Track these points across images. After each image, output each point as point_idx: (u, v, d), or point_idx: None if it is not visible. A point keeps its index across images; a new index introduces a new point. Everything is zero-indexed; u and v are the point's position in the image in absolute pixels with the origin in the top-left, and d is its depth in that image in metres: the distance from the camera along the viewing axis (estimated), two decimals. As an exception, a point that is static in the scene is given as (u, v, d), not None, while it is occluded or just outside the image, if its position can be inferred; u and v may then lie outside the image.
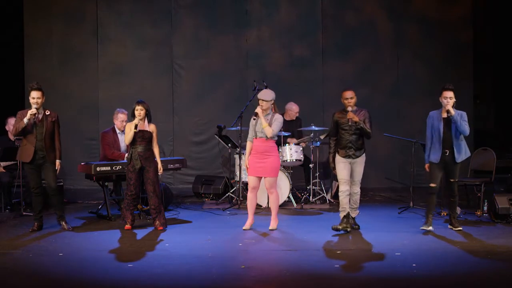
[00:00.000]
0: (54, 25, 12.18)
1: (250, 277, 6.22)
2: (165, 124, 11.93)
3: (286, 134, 10.14)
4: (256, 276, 6.24)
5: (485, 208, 9.01)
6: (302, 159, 10.21)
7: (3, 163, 9.63)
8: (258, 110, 8.17)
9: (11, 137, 9.91)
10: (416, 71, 12.16)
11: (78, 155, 11.38)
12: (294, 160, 10.05)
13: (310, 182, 10.32)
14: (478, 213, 9.11)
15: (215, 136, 11.06)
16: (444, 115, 7.86)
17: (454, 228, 8.08)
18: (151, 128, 8.39)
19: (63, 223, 8.31)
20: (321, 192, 10.36)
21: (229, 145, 10.76)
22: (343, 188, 8.02)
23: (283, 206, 9.89)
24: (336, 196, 10.61)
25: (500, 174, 10.46)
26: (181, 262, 6.74)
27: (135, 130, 8.20)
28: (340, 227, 7.96)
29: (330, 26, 12.21)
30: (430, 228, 8.01)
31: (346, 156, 8.00)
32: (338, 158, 8.06)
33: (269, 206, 8.49)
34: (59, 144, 8.27)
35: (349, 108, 7.96)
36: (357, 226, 8.24)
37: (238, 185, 10.08)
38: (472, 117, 11.97)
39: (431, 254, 6.93)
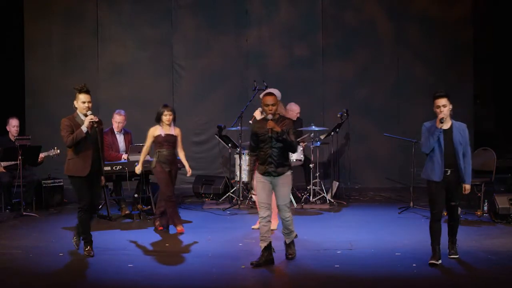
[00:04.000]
0: (54, 25, 12.19)
1: (250, 277, 6.23)
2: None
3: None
4: (256, 276, 6.24)
5: (485, 208, 9.01)
6: (302, 159, 10.21)
7: (4, 163, 9.62)
8: (269, 116, 8.06)
9: (12, 138, 9.92)
10: (416, 71, 12.16)
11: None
12: (294, 160, 10.03)
13: (310, 182, 10.32)
14: (478, 213, 9.11)
15: (215, 136, 11.05)
16: (439, 125, 6.52)
17: (450, 256, 6.72)
18: (176, 132, 8.26)
19: (89, 247, 7.04)
20: (321, 192, 10.36)
21: (229, 145, 10.76)
22: (263, 214, 6.64)
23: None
24: (336, 196, 10.63)
25: (500, 174, 10.46)
26: (181, 262, 6.75)
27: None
28: (261, 262, 6.54)
29: (330, 26, 12.21)
30: (440, 261, 6.54)
31: (265, 173, 6.62)
32: (257, 176, 6.72)
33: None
34: (103, 156, 7.28)
35: (269, 116, 6.60)
36: (290, 256, 6.76)
37: (238, 185, 10.08)
38: (472, 117, 12.05)
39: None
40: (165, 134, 8.16)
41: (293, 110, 10.75)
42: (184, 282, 6.10)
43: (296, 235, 6.93)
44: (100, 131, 7.05)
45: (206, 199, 10.80)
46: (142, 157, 8.37)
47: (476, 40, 12.38)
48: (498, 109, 13.76)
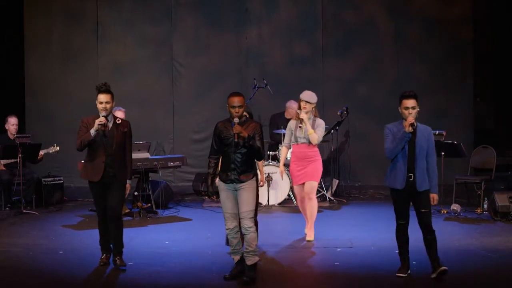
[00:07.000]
0: (54, 23, 12.19)
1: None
2: (165, 122, 11.99)
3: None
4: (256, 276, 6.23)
5: (485, 206, 9.01)
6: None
7: (3, 161, 9.63)
8: (303, 116, 7.73)
9: (11, 136, 9.92)
10: (416, 70, 12.15)
11: (78, 154, 11.30)
12: (294, 158, 10.01)
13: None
14: (478, 211, 9.11)
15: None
16: (409, 129, 6.24)
17: (432, 275, 6.09)
18: None
19: (118, 259, 6.50)
20: (321, 190, 10.35)
21: (229, 143, 10.75)
22: (230, 225, 6.09)
23: (283, 204, 9.90)
24: (336, 194, 10.63)
25: (500, 172, 10.47)
26: (181, 260, 6.75)
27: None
28: (234, 274, 6.11)
29: (330, 25, 12.21)
30: (408, 273, 6.19)
31: (228, 180, 6.09)
32: (220, 184, 6.22)
33: (307, 214, 7.80)
34: (131, 160, 6.62)
35: (236, 120, 5.99)
36: (247, 279, 5.97)
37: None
38: (472, 115, 12.05)
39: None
40: None
41: (293, 108, 10.72)
42: (184, 280, 6.11)
43: (260, 260, 6.29)
44: (123, 133, 6.51)
45: (206, 197, 10.80)
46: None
47: (476, 39, 12.38)
48: (498, 107, 13.78)
